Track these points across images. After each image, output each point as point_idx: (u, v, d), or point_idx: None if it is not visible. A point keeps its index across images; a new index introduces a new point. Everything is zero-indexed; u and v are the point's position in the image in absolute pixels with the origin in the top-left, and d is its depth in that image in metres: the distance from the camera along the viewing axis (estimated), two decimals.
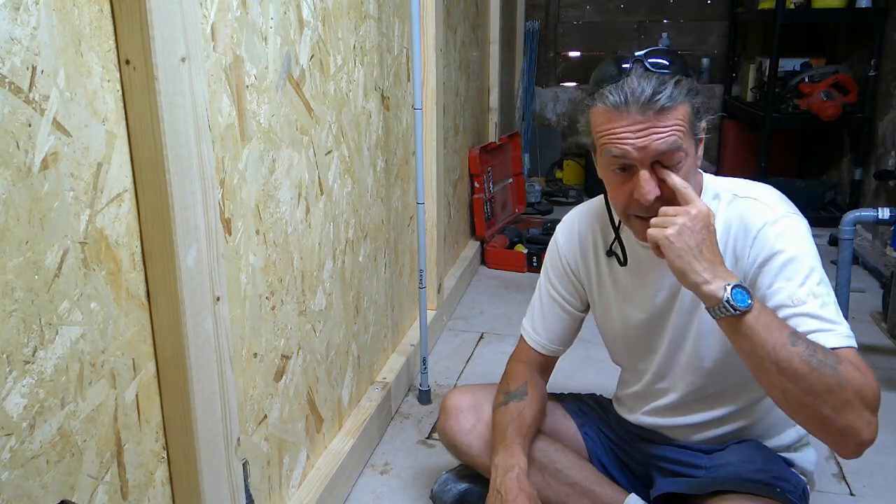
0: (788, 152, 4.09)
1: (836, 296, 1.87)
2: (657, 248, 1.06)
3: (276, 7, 1.20)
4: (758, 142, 3.60)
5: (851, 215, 1.92)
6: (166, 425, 0.97)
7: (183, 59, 0.88)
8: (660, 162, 1.06)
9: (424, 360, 1.97)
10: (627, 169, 1.09)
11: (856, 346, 1.02)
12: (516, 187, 3.63)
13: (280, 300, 1.29)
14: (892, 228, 2.19)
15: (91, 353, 0.83)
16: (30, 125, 0.72)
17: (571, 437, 1.43)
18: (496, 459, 1.27)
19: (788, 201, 1.17)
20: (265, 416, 1.27)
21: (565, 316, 1.39)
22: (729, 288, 0.99)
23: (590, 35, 4.54)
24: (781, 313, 1.05)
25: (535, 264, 3.04)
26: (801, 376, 0.96)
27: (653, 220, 1.07)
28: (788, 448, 1.29)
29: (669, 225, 1.03)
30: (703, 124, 1.12)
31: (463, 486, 1.48)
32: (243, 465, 1.11)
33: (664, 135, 1.04)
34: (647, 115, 1.04)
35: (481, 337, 2.44)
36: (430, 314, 2.32)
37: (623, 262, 1.26)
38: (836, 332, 1.02)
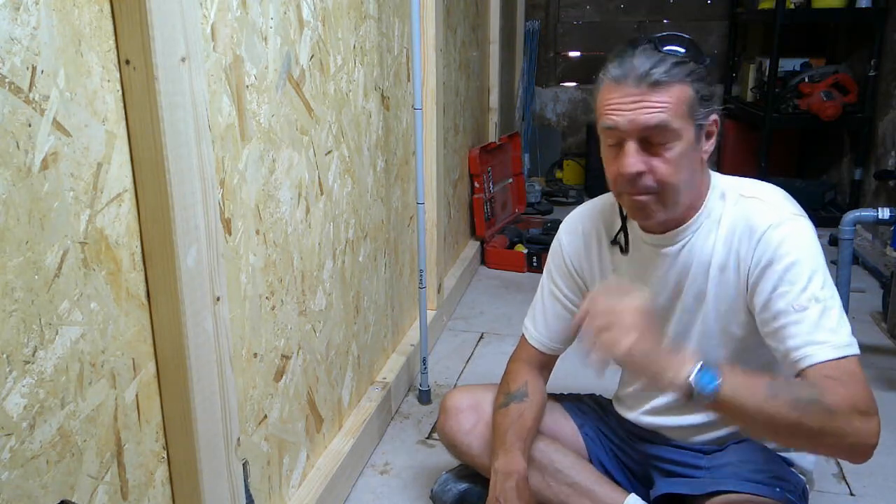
0: (788, 152, 4.09)
1: None
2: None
3: (276, 7, 1.20)
4: (758, 142, 3.59)
5: (851, 215, 1.92)
6: (166, 425, 0.97)
7: (183, 59, 0.88)
8: (650, 140, 1.07)
9: (424, 360, 1.97)
10: (619, 143, 1.10)
11: (854, 352, 1.02)
12: (516, 187, 3.63)
13: (280, 300, 1.29)
14: (892, 228, 2.19)
15: (91, 353, 0.83)
16: (30, 125, 0.72)
17: (571, 438, 1.43)
18: (496, 464, 1.27)
19: (794, 202, 1.17)
20: (265, 416, 1.27)
21: (567, 315, 1.38)
22: (693, 379, 0.97)
23: (590, 35, 4.54)
24: (782, 319, 1.06)
25: (535, 264, 3.04)
26: (793, 425, 0.97)
27: (595, 325, 1.01)
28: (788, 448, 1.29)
29: (616, 338, 0.99)
30: (714, 117, 1.11)
31: (463, 486, 1.48)
32: (243, 465, 1.11)
33: (654, 110, 1.05)
34: (640, 88, 1.06)
35: (481, 337, 2.44)
36: (430, 314, 2.32)
37: (624, 251, 1.26)
38: (829, 345, 1.02)
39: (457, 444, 1.42)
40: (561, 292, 1.38)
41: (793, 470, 1.26)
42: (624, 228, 1.26)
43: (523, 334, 1.43)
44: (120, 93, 0.85)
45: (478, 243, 3.15)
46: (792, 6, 3.46)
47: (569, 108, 4.62)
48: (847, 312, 1.87)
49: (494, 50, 3.34)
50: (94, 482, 0.85)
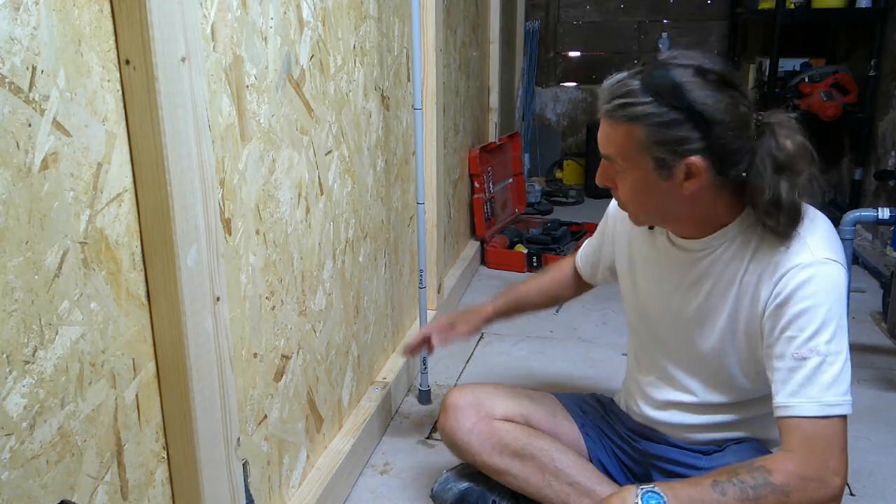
0: None
1: None
2: None
3: (276, 7, 1.20)
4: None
5: (851, 215, 1.92)
6: (166, 425, 0.97)
7: (183, 59, 0.88)
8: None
9: (424, 360, 1.97)
10: None
11: (841, 412, 1.03)
12: (516, 187, 3.63)
13: (280, 300, 1.29)
14: (892, 228, 2.19)
15: (91, 353, 0.83)
16: (30, 125, 0.72)
17: (572, 437, 1.43)
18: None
19: (836, 242, 1.12)
20: (265, 416, 1.27)
21: (596, 260, 1.50)
22: None
23: (590, 35, 4.54)
24: (780, 363, 1.07)
25: (535, 264, 3.04)
26: None
27: None
28: None
29: None
30: (692, 158, 1.05)
31: (463, 485, 1.48)
32: (243, 465, 1.11)
33: (603, 140, 1.13)
34: (603, 115, 1.11)
35: (481, 337, 2.44)
36: (430, 314, 2.32)
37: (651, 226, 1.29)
38: (815, 403, 1.03)
39: (457, 442, 1.42)
40: (597, 241, 1.48)
41: None
42: None
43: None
44: (120, 93, 0.85)
45: (478, 243, 3.15)
46: (792, 6, 3.46)
47: (569, 108, 4.62)
48: (847, 313, 1.89)
49: (494, 50, 3.34)
50: (94, 482, 0.85)
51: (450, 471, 1.53)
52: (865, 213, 1.93)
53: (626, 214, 1.30)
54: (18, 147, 0.71)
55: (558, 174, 4.49)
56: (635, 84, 1.06)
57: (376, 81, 1.75)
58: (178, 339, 0.93)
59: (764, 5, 3.71)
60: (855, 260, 2.62)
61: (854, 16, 3.47)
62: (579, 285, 1.59)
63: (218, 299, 1.00)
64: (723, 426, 1.27)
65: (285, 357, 1.33)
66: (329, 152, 1.47)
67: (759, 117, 1.09)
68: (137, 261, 0.90)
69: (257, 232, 1.19)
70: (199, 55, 0.91)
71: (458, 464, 1.52)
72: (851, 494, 1.61)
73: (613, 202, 1.39)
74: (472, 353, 2.32)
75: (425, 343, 1.61)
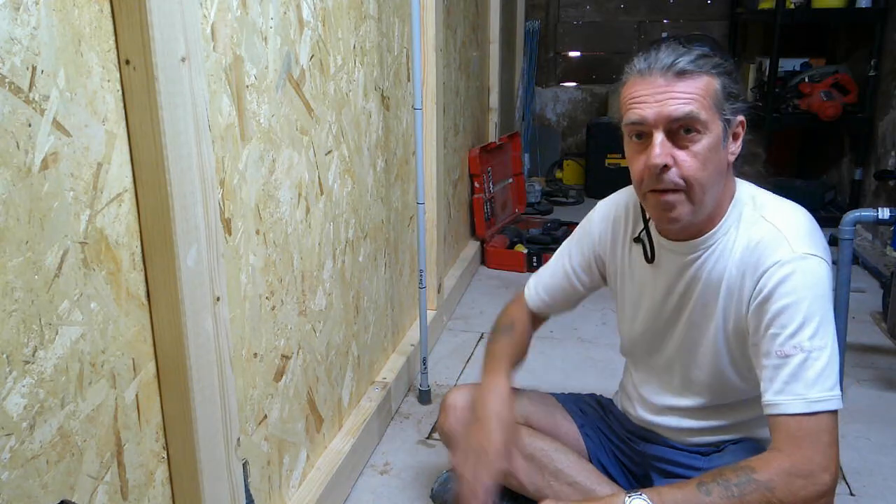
0: (788, 152, 4.09)
1: (836, 296, 1.88)
2: None
3: (276, 7, 1.20)
4: (758, 142, 3.59)
5: (851, 215, 1.92)
6: (166, 425, 0.97)
7: (183, 59, 0.88)
8: (676, 133, 1.05)
9: (424, 360, 1.97)
10: (644, 136, 1.08)
11: (829, 408, 1.02)
12: (516, 187, 3.63)
13: (280, 300, 1.29)
14: (892, 228, 2.19)
15: (91, 353, 0.83)
16: (30, 125, 0.72)
17: (572, 438, 1.43)
18: (482, 383, 1.32)
19: (815, 233, 1.11)
20: (265, 416, 1.27)
21: (568, 288, 1.41)
22: None
23: (590, 35, 4.54)
24: (765, 361, 1.07)
25: (535, 264, 3.04)
26: None
27: None
28: None
29: None
30: (740, 117, 1.10)
31: None
32: (243, 465, 1.11)
33: (681, 100, 1.04)
34: (667, 79, 1.05)
35: (481, 337, 2.44)
36: (430, 314, 2.32)
37: (651, 259, 1.24)
38: (800, 400, 1.03)
39: (457, 442, 1.41)
40: (573, 269, 1.39)
41: None
42: (648, 234, 1.24)
43: (524, 290, 1.47)
44: (120, 93, 0.85)
45: (478, 243, 3.15)
46: (792, 6, 3.46)
47: (569, 108, 4.62)
48: (847, 312, 1.89)
49: (494, 50, 3.34)
50: (94, 482, 0.85)
51: (449, 471, 1.52)
52: (865, 213, 1.93)
53: (608, 236, 1.31)
54: (18, 147, 0.71)
55: (558, 174, 4.49)
56: (698, 43, 1.07)
57: (376, 81, 1.75)
58: (178, 339, 0.93)
59: (764, 5, 3.71)
60: (855, 260, 2.62)
61: (854, 16, 3.47)
62: (535, 326, 1.49)
63: (218, 299, 0.99)
64: (721, 429, 1.27)
65: (285, 357, 1.33)
66: (329, 152, 1.47)
67: None
68: (137, 261, 0.90)
69: (257, 232, 1.19)
70: (199, 55, 0.91)
71: None
72: (851, 494, 1.61)
73: (588, 224, 1.36)
74: (472, 353, 2.33)
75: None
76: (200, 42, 0.93)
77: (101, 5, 0.81)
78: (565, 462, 1.35)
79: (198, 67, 0.91)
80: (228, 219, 1.10)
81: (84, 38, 0.79)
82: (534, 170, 4.35)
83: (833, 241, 3.14)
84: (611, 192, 1.37)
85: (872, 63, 3.37)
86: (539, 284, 1.44)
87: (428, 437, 1.83)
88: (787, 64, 3.60)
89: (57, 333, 0.77)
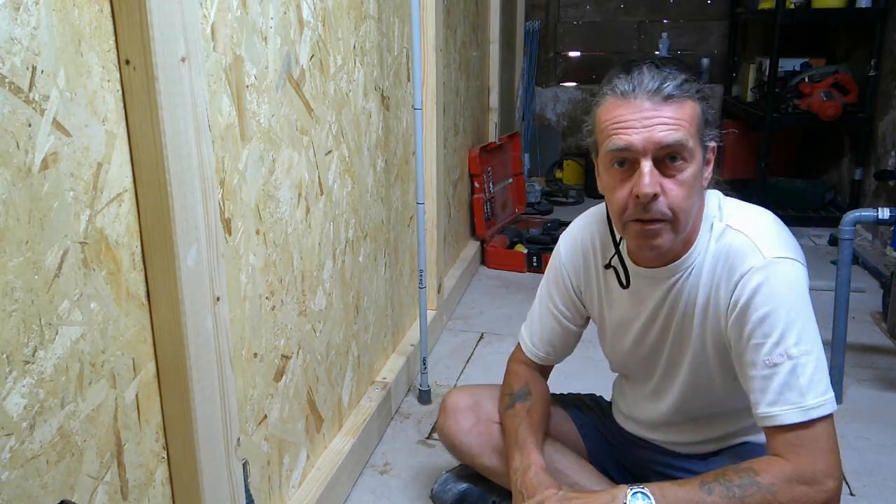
0: (788, 152, 4.09)
1: (836, 296, 1.89)
2: None
3: (276, 7, 1.20)
4: (758, 142, 3.60)
5: (851, 215, 1.92)
6: (166, 425, 0.97)
7: (183, 59, 0.88)
8: (663, 161, 1.02)
9: (424, 360, 1.97)
10: (628, 164, 1.03)
11: (823, 413, 1.01)
12: (516, 187, 3.63)
13: (280, 300, 1.29)
14: (892, 228, 2.19)
15: (91, 353, 0.83)
16: (30, 125, 0.72)
17: (572, 438, 1.43)
18: (513, 464, 1.24)
19: (785, 236, 1.10)
20: (265, 416, 1.27)
21: (561, 331, 1.36)
22: None
23: (590, 35, 4.54)
24: (753, 372, 1.05)
25: (535, 264, 3.04)
26: None
27: None
28: None
29: None
30: (713, 144, 1.08)
31: (463, 485, 1.48)
32: (243, 465, 1.11)
33: (670, 126, 1.00)
34: (654, 103, 1.00)
35: (481, 337, 2.44)
36: (430, 314, 2.32)
37: (626, 285, 1.20)
38: (795, 409, 1.01)
39: (456, 443, 1.42)
40: (556, 308, 1.35)
41: None
42: (621, 260, 1.21)
43: (519, 344, 1.42)
44: (120, 93, 0.85)
45: (478, 243, 3.15)
46: (792, 6, 3.46)
47: (569, 108, 4.62)
48: (847, 312, 1.89)
49: (494, 50, 3.34)
50: (94, 482, 0.85)
51: (449, 471, 1.53)
52: (865, 213, 1.93)
53: (580, 266, 1.28)
54: (18, 147, 0.71)
55: (558, 174, 4.49)
56: (672, 67, 1.04)
57: (376, 81, 1.75)
58: (178, 339, 0.93)
59: (764, 5, 3.71)
60: (855, 260, 2.62)
61: (854, 16, 3.47)
62: (548, 373, 1.44)
63: (218, 299, 1.00)
64: (717, 439, 1.27)
65: (285, 357, 1.33)
66: (329, 152, 1.47)
67: None
68: (137, 261, 0.90)
69: (257, 232, 1.19)
70: (199, 55, 0.91)
71: (457, 464, 1.52)
72: (851, 494, 1.61)
73: (557, 259, 1.33)
74: (471, 354, 2.33)
75: None
76: (200, 42, 0.93)
77: (101, 5, 0.81)
78: (564, 463, 1.35)
79: (198, 67, 0.91)
80: (228, 219, 1.10)
81: (84, 38, 0.79)
82: (534, 170, 4.35)
83: (833, 241, 3.15)
84: None
85: (872, 63, 3.37)
86: (534, 336, 1.39)
87: (428, 437, 1.83)
88: (787, 64, 3.60)
89: (57, 333, 0.77)
